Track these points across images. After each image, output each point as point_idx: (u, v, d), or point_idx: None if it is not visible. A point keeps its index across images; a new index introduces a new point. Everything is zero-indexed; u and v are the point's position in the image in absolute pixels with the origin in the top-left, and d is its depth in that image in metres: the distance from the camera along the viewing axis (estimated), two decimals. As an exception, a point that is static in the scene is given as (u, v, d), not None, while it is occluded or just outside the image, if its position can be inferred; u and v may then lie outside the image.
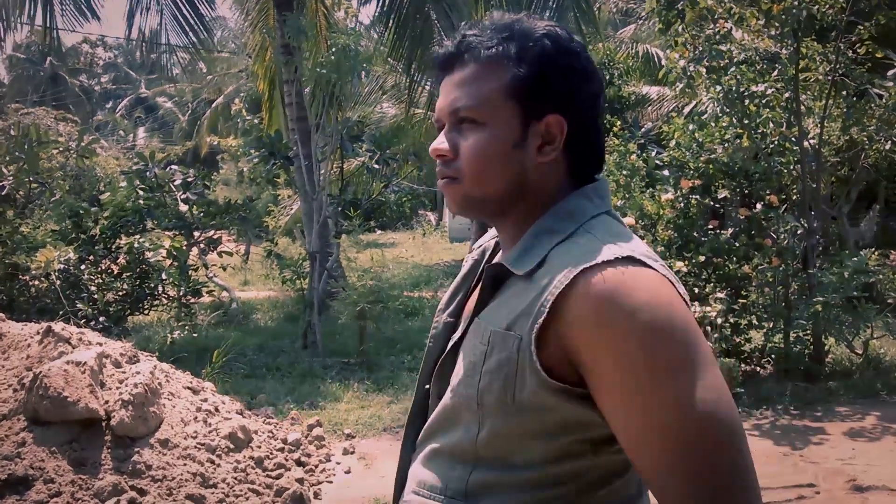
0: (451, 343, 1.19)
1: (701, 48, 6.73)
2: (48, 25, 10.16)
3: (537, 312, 1.01)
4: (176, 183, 9.18)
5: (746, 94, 6.77)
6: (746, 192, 7.27)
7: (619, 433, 0.98)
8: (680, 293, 1.02)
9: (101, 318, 7.60)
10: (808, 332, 6.94)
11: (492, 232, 1.32)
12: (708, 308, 6.59)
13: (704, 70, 6.74)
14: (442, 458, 1.14)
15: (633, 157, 7.77)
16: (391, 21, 10.18)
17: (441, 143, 1.15)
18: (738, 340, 6.95)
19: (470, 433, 1.09)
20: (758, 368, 7.12)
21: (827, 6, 6.61)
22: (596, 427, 1.02)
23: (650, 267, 1.01)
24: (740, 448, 0.94)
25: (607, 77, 13.57)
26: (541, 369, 1.00)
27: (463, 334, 1.16)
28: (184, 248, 8.41)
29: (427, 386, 1.25)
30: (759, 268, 6.91)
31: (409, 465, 1.24)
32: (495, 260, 1.21)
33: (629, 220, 6.99)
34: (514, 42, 1.11)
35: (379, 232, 23.69)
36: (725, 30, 6.71)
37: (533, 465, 1.05)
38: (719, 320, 6.61)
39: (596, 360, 0.98)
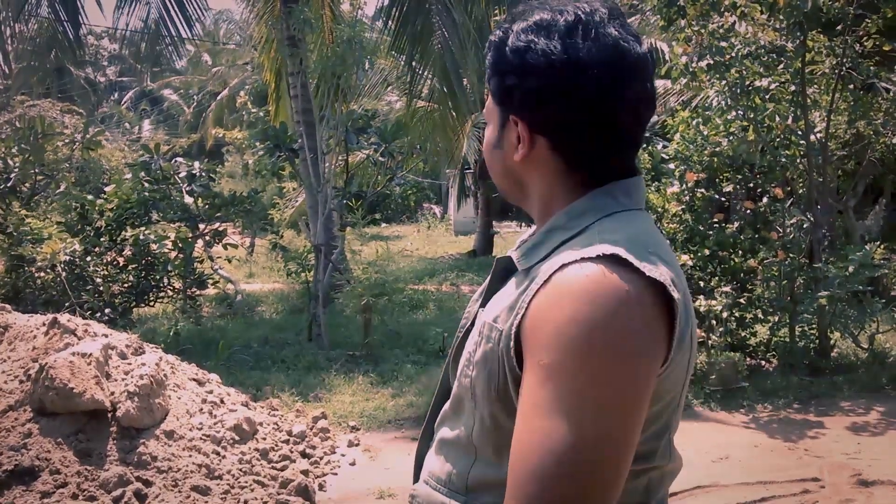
0: (461, 333, 1.21)
1: (704, 43, 6.69)
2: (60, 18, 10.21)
3: (518, 307, 1.00)
4: (181, 175, 9.19)
5: (751, 87, 6.74)
6: (751, 185, 7.25)
7: (514, 433, 0.95)
8: (671, 297, 0.96)
9: (107, 310, 7.62)
10: (814, 326, 6.92)
11: (531, 230, 1.31)
12: (713, 302, 6.58)
13: (706, 66, 6.71)
14: (448, 449, 1.15)
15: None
16: (394, 13, 10.17)
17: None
18: (743, 334, 6.95)
19: (468, 424, 1.10)
20: (763, 362, 7.11)
21: (833, -1, 6.57)
22: None
23: (635, 268, 0.95)
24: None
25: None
26: (515, 365, 0.99)
27: (472, 325, 1.18)
28: (189, 240, 8.43)
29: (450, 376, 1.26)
30: (765, 261, 6.89)
31: (425, 453, 1.25)
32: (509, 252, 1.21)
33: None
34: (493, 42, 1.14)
35: (384, 225, 23.71)
36: (730, 23, 6.66)
37: None
38: (725, 314, 6.61)
39: (525, 357, 0.97)
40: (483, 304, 1.15)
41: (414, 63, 10.40)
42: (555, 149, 1.09)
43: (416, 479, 1.25)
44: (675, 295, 0.96)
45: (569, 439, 0.89)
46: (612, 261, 0.95)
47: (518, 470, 0.92)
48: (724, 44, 6.61)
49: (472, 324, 1.18)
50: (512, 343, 1.00)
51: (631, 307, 0.93)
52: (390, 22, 10.27)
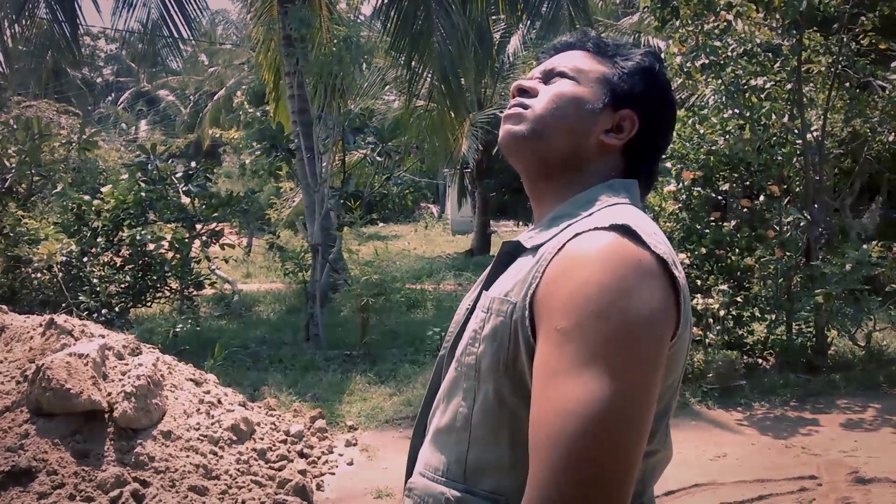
0: (456, 329, 1.22)
1: (699, 42, 6.69)
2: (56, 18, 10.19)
3: (531, 279, 1.03)
4: (178, 175, 9.17)
5: (747, 87, 6.74)
6: (748, 183, 7.26)
7: (532, 397, 0.97)
8: (674, 275, 1.00)
9: (104, 311, 7.60)
10: (811, 324, 6.93)
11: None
12: (710, 300, 6.58)
13: (700, 66, 6.71)
14: (443, 437, 1.14)
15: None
16: (392, 14, 10.15)
17: (528, 81, 1.25)
18: (740, 332, 6.95)
19: (467, 405, 1.10)
20: (760, 360, 7.12)
21: (830, -3, 6.57)
22: None
23: (643, 242, 1.00)
24: (618, 466, 0.91)
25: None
26: (530, 335, 1.01)
27: (473, 310, 1.19)
28: (186, 240, 8.41)
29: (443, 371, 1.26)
30: (762, 260, 6.90)
31: (419, 448, 1.25)
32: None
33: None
34: (625, 49, 1.26)
35: (381, 224, 23.70)
36: (725, 24, 6.66)
37: (523, 444, 1.02)
38: (722, 312, 6.61)
39: (539, 324, 0.99)
40: (486, 288, 1.15)
41: (413, 63, 10.38)
42: (627, 153, 1.22)
43: (410, 474, 1.24)
44: (678, 273, 1.01)
45: (592, 400, 0.90)
46: (623, 231, 1.00)
47: (542, 436, 0.93)
48: (718, 43, 6.61)
49: (473, 311, 1.19)
50: (527, 313, 1.01)
51: (644, 274, 0.97)
52: (389, 23, 10.25)
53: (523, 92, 1.23)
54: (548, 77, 1.23)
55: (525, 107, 1.21)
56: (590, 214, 1.09)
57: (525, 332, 1.01)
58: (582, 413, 0.90)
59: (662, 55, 7.80)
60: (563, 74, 1.21)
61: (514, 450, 1.05)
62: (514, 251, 1.15)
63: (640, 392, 0.93)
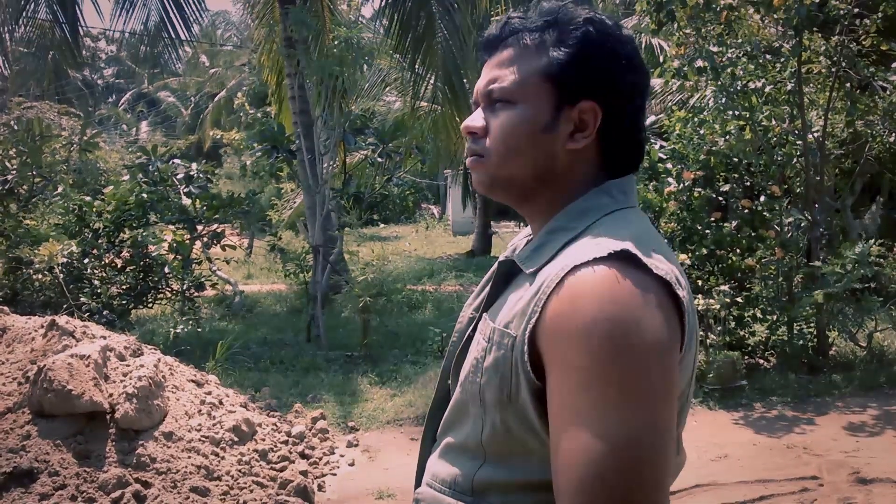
0: (464, 338, 1.20)
1: (698, 44, 6.68)
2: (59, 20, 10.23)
3: (531, 312, 1.00)
4: (179, 177, 9.18)
5: (747, 88, 6.73)
6: (748, 184, 7.26)
7: (551, 439, 0.97)
8: (678, 294, 0.99)
9: (105, 312, 7.60)
10: (812, 324, 6.93)
11: (525, 231, 1.32)
12: (711, 301, 6.59)
13: (697, 69, 6.71)
14: (454, 452, 1.15)
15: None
16: (395, 17, 10.17)
17: (473, 119, 1.16)
18: (741, 333, 6.95)
19: (476, 429, 1.09)
20: (761, 361, 7.12)
21: (833, -1, 6.57)
22: None
23: (644, 266, 0.97)
24: (653, 494, 0.91)
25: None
26: (530, 371, 0.99)
27: (474, 329, 1.17)
28: (187, 241, 8.41)
29: (450, 381, 1.25)
30: (763, 260, 6.90)
31: (427, 458, 1.24)
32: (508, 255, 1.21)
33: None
34: (557, 25, 1.11)
35: (382, 225, 23.71)
36: (722, 27, 6.64)
37: (532, 469, 1.04)
38: (723, 313, 6.61)
39: (550, 363, 0.97)
40: (486, 309, 1.14)
41: (417, 66, 10.39)
42: (605, 142, 1.12)
43: (419, 484, 1.25)
44: (681, 293, 0.99)
45: (619, 435, 0.90)
46: (623, 258, 0.97)
47: (575, 477, 0.91)
48: (714, 49, 6.60)
49: (474, 328, 1.18)
50: (526, 348, 1.00)
51: (649, 303, 0.95)
52: (392, 26, 10.26)
53: (473, 134, 1.16)
54: (489, 102, 1.15)
55: (479, 154, 1.14)
56: (587, 227, 1.06)
57: (525, 368, 1.00)
58: (611, 451, 0.90)
59: (666, 53, 7.82)
60: (502, 101, 1.12)
61: (523, 473, 1.05)
62: (510, 269, 1.13)
63: (662, 418, 0.93)
